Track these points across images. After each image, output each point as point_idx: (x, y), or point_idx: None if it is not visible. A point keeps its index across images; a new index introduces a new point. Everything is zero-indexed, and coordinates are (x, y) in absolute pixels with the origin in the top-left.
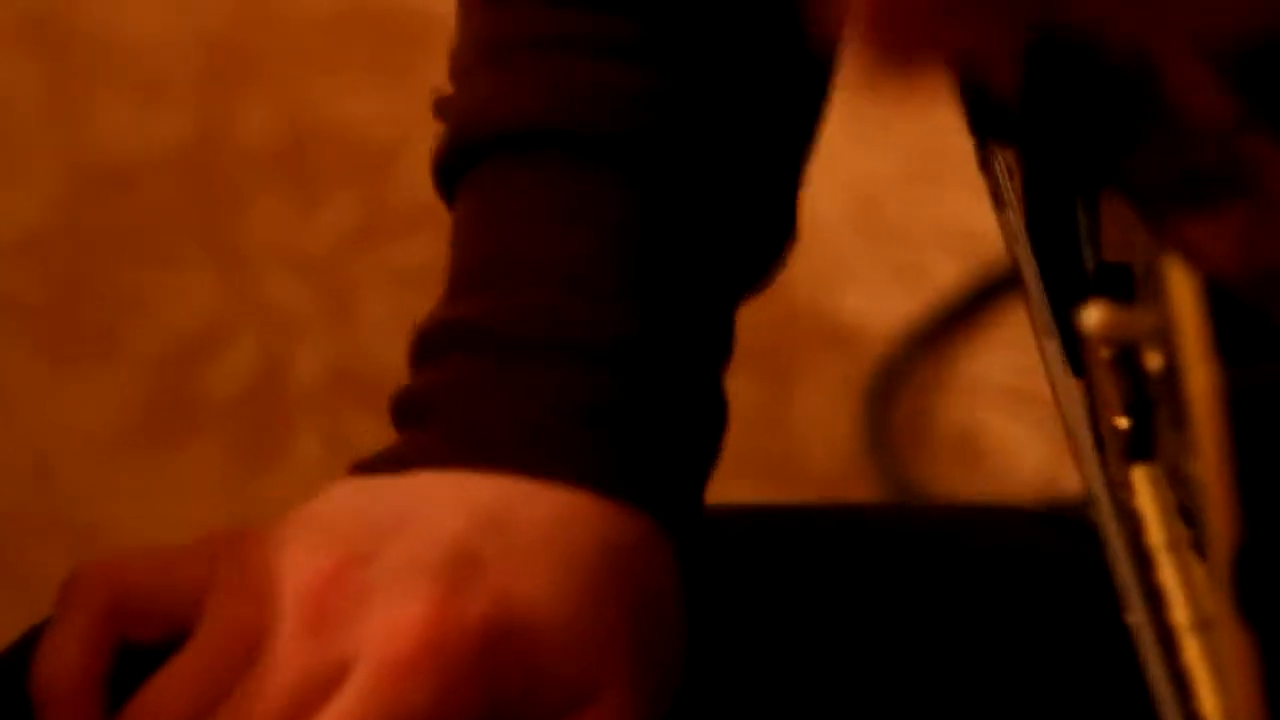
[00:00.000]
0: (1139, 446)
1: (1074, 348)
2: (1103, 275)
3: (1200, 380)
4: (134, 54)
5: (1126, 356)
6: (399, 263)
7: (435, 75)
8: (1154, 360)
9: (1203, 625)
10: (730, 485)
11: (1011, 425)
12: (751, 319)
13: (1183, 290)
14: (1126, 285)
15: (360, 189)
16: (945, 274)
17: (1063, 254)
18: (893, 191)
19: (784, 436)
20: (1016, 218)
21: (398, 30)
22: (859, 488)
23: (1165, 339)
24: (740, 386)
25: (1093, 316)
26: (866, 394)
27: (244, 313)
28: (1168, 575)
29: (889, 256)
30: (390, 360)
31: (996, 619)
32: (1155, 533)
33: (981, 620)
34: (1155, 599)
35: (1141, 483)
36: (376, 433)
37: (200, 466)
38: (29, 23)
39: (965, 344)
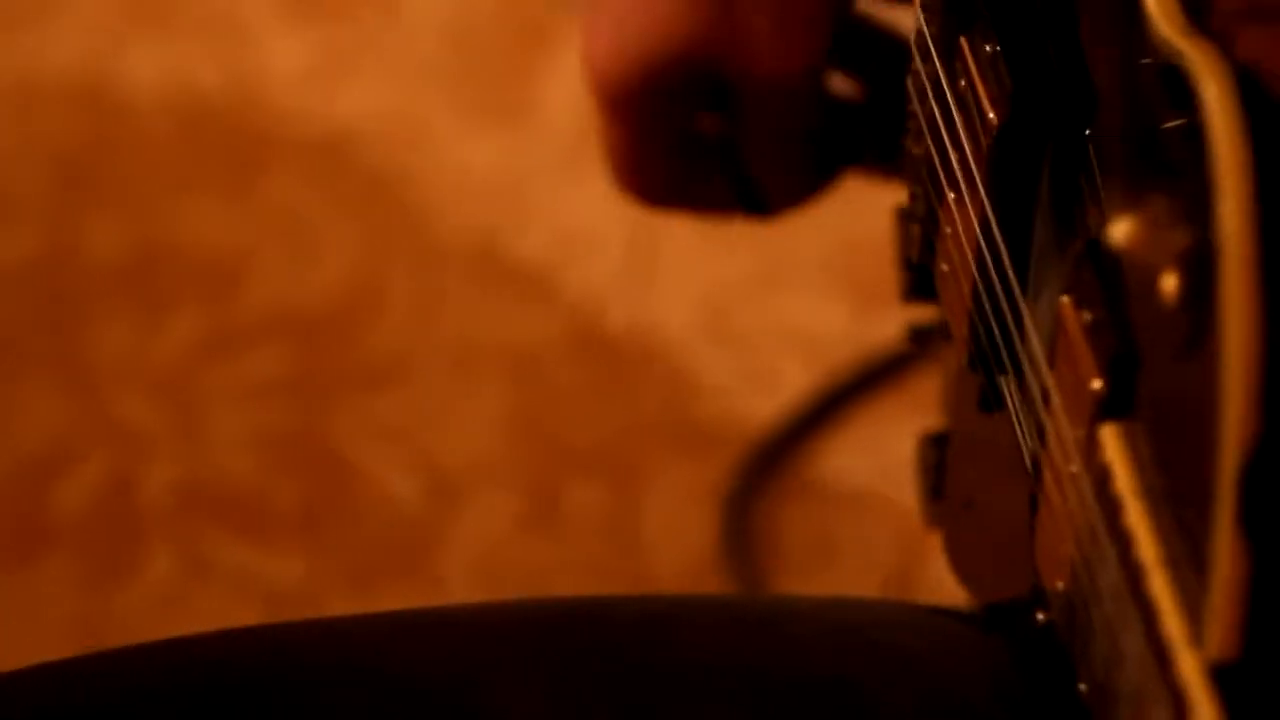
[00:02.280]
0: (1116, 404)
1: (992, 384)
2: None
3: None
4: None
5: (1110, 316)
6: (249, 377)
7: (280, 189)
8: (1170, 283)
9: (1172, 561)
10: (580, 591)
11: (864, 528)
12: (600, 425)
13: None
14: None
15: (207, 304)
16: (794, 378)
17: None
18: (739, 296)
19: (636, 542)
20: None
21: (242, 145)
22: (711, 592)
23: (1196, 258)
24: (591, 491)
25: (1119, 230)
26: (722, 500)
27: (92, 430)
28: (1136, 520)
29: (737, 361)
30: (241, 474)
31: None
32: (1123, 479)
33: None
34: (1124, 543)
35: (1110, 439)
36: (230, 547)
37: (50, 586)
38: None
39: (820, 447)
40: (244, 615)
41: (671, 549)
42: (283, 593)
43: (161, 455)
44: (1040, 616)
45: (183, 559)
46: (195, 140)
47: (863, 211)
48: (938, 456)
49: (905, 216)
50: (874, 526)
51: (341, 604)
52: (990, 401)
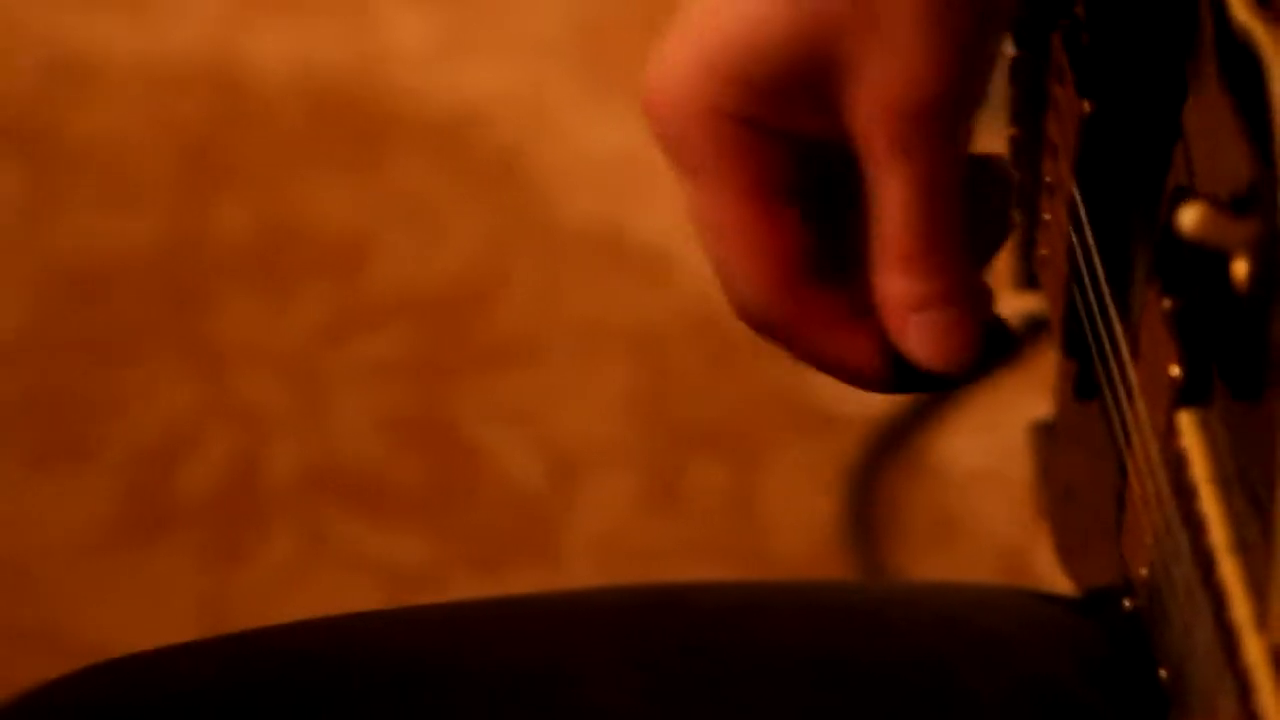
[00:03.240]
0: (1194, 391)
1: (1086, 370)
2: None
3: None
4: (108, 156)
5: (1189, 302)
6: (371, 357)
7: (404, 171)
8: (1241, 269)
9: (1242, 546)
10: (700, 571)
11: (985, 506)
12: (720, 406)
13: None
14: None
15: (332, 284)
16: None
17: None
18: None
19: (756, 521)
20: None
21: (367, 127)
22: (831, 572)
23: (1266, 244)
24: (712, 471)
25: (1189, 216)
26: (845, 479)
27: (217, 411)
28: (1209, 506)
29: None
30: (364, 455)
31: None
32: (1198, 466)
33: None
34: (1196, 529)
35: (1187, 425)
36: (351, 528)
37: (174, 567)
38: (3, 126)
39: (940, 427)
40: (365, 596)
41: (791, 529)
42: (404, 573)
43: (286, 436)
44: (1127, 603)
45: (305, 539)
46: (320, 122)
47: None
48: (1048, 444)
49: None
50: (994, 506)
51: (463, 585)
52: (1085, 388)
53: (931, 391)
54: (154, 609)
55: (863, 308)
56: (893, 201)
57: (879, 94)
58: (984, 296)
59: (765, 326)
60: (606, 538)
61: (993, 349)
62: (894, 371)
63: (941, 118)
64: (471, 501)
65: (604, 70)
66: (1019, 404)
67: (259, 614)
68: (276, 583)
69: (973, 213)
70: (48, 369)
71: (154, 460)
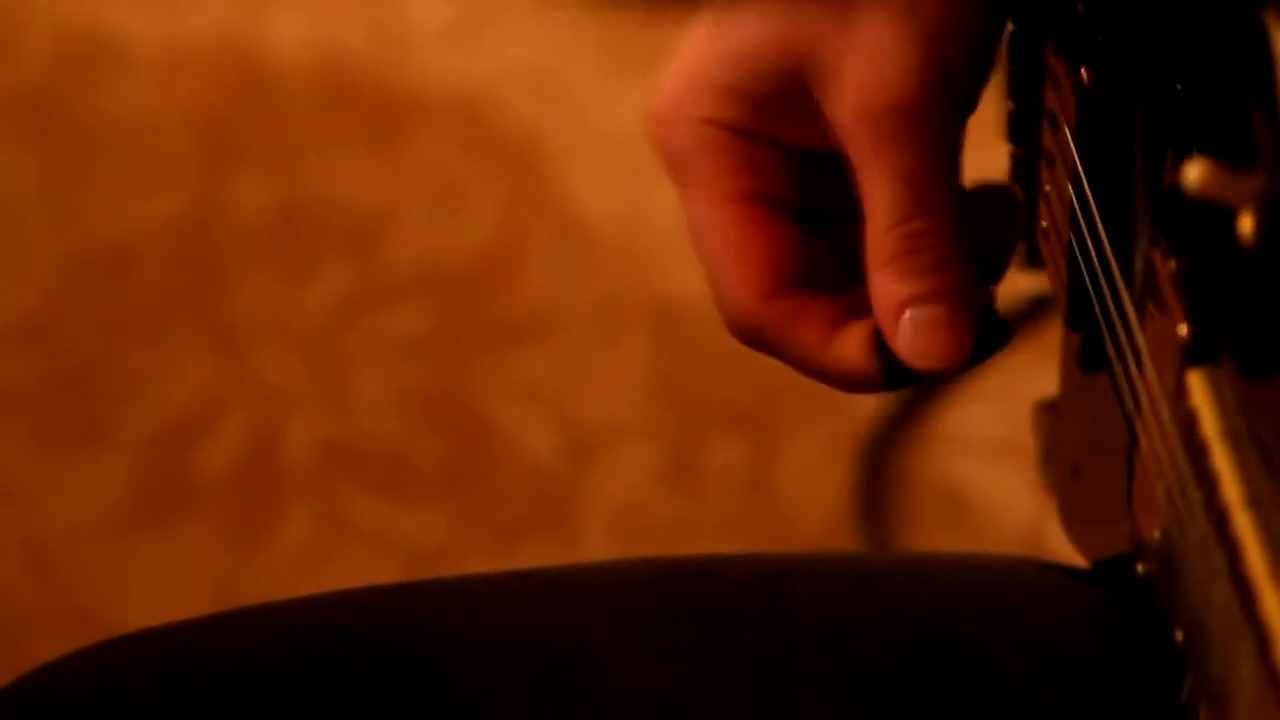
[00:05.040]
0: (1201, 350)
1: (1091, 341)
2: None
3: None
4: (125, 136)
5: (1195, 262)
6: (391, 334)
7: (424, 148)
8: (1247, 224)
9: (1255, 501)
10: (716, 547)
11: (999, 478)
12: (737, 380)
13: None
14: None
15: (351, 261)
16: None
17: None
18: None
19: (772, 497)
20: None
21: (386, 104)
22: (846, 546)
23: (1272, 199)
24: (727, 447)
25: (1194, 172)
26: (856, 453)
27: (236, 389)
28: (1221, 462)
29: None
30: (383, 432)
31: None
32: (1208, 423)
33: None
34: (1209, 485)
35: (1196, 384)
36: (369, 506)
37: (193, 546)
38: (22, 108)
39: (953, 400)
40: (383, 573)
41: (808, 504)
42: (422, 551)
43: (304, 414)
44: (1140, 568)
45: (323, 518)
46: (339, 100)
47: (996, 156)
48: (1052, 422)
49: (1011, 178)
50: (1007, 479)
51: (481, 562)
52: (1090, 360)
53: (924, 383)
54: (173, 588)
55: (860, 312)
56: (878, 202)
57: (858, 98)
58: (975, 294)
59: (754, 334)
60: (623, 514)
61: (985, 342)
62: (885, 371)
63: (918, 118)
64: (489, 479)
65: (621, 48)
66: (1031, 376)
67: (277, 593)
68: (295, 561)
69: (976, 236)
70: (65, 349)
71: (172, 440)
